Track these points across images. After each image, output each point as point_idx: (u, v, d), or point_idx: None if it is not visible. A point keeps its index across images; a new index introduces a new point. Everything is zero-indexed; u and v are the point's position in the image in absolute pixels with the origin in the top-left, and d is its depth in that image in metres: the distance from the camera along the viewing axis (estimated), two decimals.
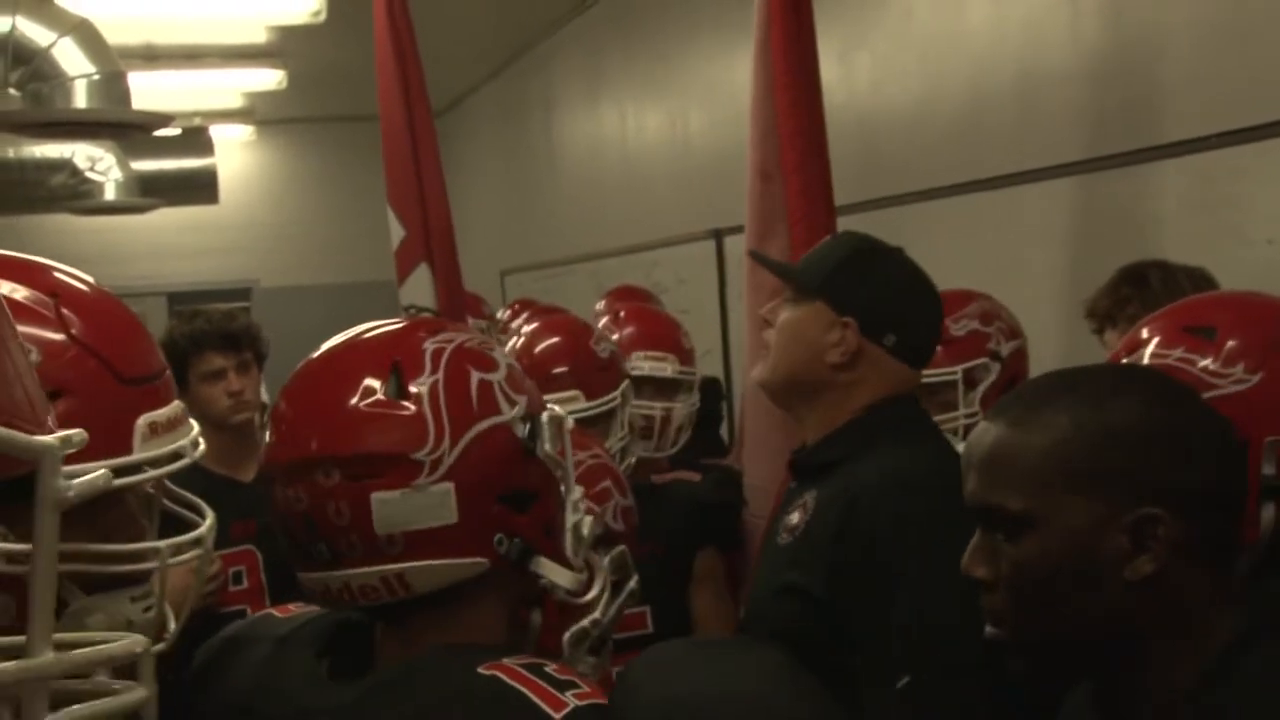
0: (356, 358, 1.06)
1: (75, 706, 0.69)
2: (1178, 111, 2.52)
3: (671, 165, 5.14)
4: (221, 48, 6.46)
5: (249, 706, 1.07)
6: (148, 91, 5.49)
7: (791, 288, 1.73)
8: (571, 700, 0.93)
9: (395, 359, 1.03)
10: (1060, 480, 0.97)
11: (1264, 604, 1.02)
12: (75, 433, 0.69)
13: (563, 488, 1.09)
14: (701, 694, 0.93)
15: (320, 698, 1.02)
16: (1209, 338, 1.18)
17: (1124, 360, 1.22)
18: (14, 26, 4.09)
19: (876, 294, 1.68)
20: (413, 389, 1.02)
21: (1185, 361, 1.17)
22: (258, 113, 8.41)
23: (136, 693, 0.71)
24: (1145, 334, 1.22)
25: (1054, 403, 1.00)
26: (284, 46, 6.50)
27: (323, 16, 5.43)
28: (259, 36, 6.30)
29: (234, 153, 8.56)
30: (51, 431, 0.68)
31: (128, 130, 4.46)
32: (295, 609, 1.16)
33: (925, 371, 1.80)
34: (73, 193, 6.40)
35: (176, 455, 0.97)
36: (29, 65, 4.11)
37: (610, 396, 2.15)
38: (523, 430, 1.04)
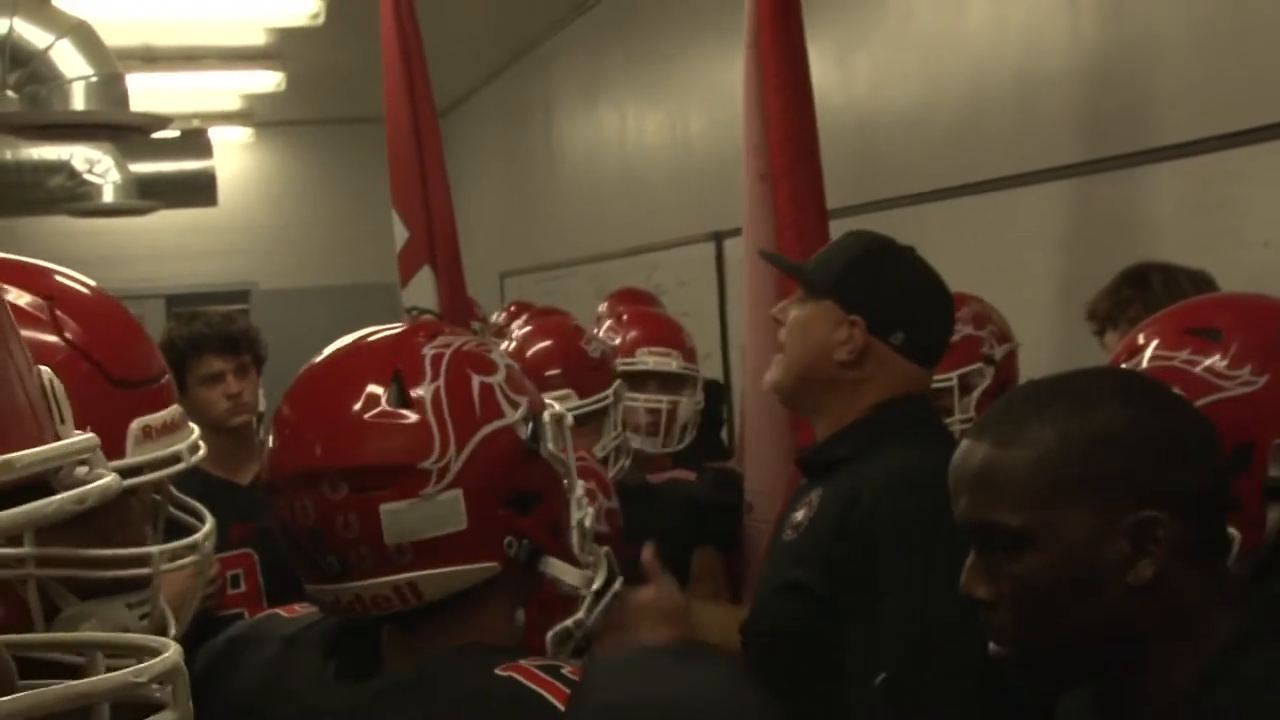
0: (358, 364, 1.05)
1: None
2: (1176, 114, 2.52)
3: (671, 168, 5.14)
4: (220, 50, 6.45)
5: (256, 707, 1.07)
6: (146, 93, 5.48)
7: (802, 287, 1.74)
8: None
9: (396, 366, 1.03)
10: (1055, 492, 0.97)
11: (1265, 606, 1.01)
12: (84, 440, 0.68)
13: (566, 483, 1.09)
14: (651, 698, 0.92)
15: (329, 699, 1.02)
16: (1214, 339, 1.17)
17: (1125, 363, 1.21)
18: (11, 28, 4.08)
19: (884, 292, 1.68)
20: (415, 396, 1.01)
21: (1190, 363, 1.16)
22: (256, 115, 8.41)
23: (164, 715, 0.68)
24: (1146, 336, 1.22)
25: (1039, 415, 0.99)
26: (283, 48, 6.50)
27: (321, 19, 5.43)
28: (257, 38, 6.29)
29: (232, 155, 8.55)
30: (55, 437, 0.67)
31: (126, 132, 4.45)
32: (300, 609, 1.15)
33: None
34: (71, 195, 6.39)
35: (173, 459, 0.96)
36: (27, 67, 4.11)
37: (602, 395, 2.16)
38: (525, 431, 1.04)
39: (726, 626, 2.05)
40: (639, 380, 2.47)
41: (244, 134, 8.81)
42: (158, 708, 0.63)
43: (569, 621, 1.13)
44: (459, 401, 1.02)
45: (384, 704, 0.98)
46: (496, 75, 7.61)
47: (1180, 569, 0.96)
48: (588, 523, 1.11)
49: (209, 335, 2.43)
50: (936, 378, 2.12)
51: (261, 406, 2.54)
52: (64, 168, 6.30)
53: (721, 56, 4.48)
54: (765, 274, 2.41)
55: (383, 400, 1.01)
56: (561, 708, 0.92)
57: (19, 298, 0.93)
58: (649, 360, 2.55)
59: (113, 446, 0.90)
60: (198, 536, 1.00)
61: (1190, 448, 0.98)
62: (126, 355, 0.96)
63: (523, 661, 0.96)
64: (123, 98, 4.24)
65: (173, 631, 0.95)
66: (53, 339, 0.92)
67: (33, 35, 4.12)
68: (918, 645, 1.46)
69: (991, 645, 1.01)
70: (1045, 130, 2.91)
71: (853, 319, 1.65)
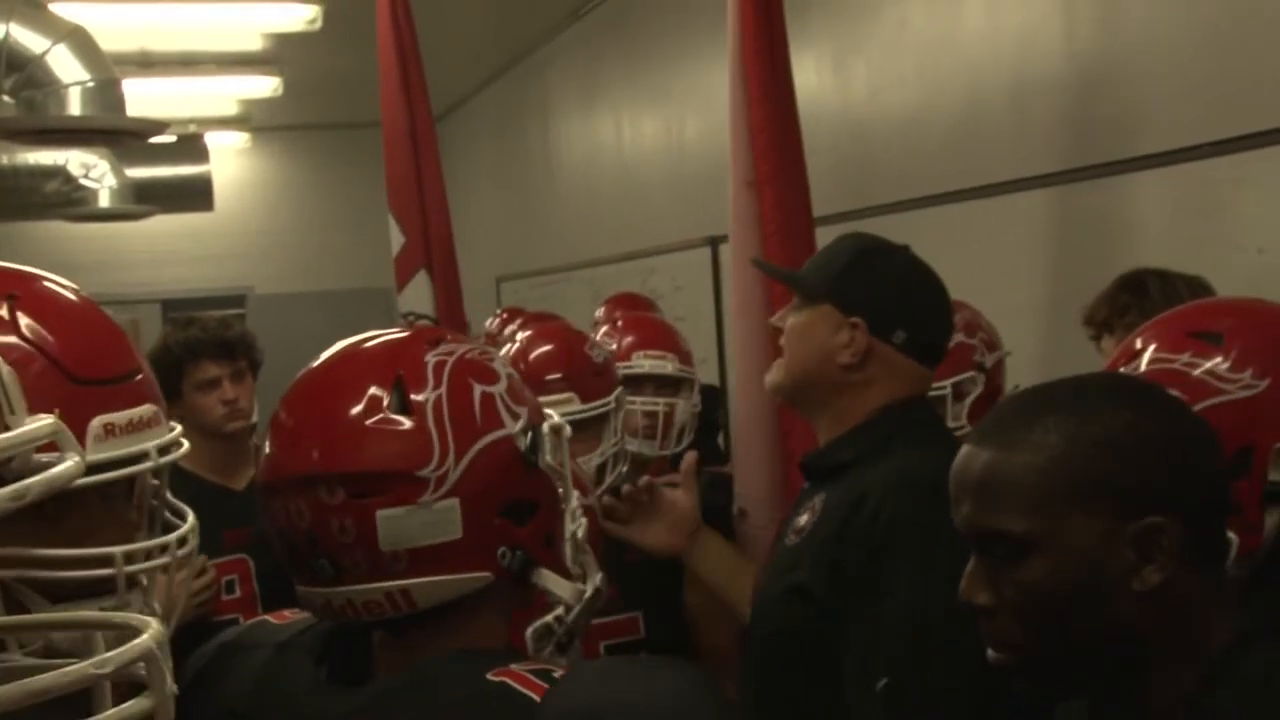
0: (358, 369, 1.05)
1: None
2: (1170, 120, 2.52)
3: (668, 172, 5.14)
4: (217, 55, 6.45)
5: (248, 713, 1.07)
6: (142, 98, 5.48)
7: (797, 293, 1.73)
8: None
9: (398, 372, 1.02)
10: (1060, 498, 0.96)
11: (1264, 608, 1.01)
12: (43, 424, 0.67)
13: (561, 492, 1.09)
14: (612, 702, 0.93)
15: (322, 704, 1.02)
16: (1215, 343, 1.16)
17: (1123, 367, 1.21)
18: (8, 33, 4.08)
19: (883, 292, 1.67)
20: (415, 403, 1.01)
21: (1191, 366, 1.16)
22: (253, 120, 8.41)
23: (142, 703, 0.67)
24: (1146, 339, 1.21)
25: (1042, 420, 0.98)
26: (280, 54, 6.50)
27: (318, 24, 5.44)
28: (254, 44, 6.29)
29: (229, 160, 8.55)
30: (4, 428, 0.66)
31: (122, 137, 4.44)
32: (290, 615, 1.15)
33: None
34: (67, 200, 6.38)
35: (138, 458, 0.95)
36: (23, 72, 4.10)
37: (605, 401, 2.16)
38: (525, 442, 1.04)
39: (722, 563, 2.06)
40: (635, 383, 2.47)
41: (240, 139, 8.81)
42: (140, 687, 0.63)
43: (549, 618, 1.13)
44: (460, 410, 1.01)
45: (377, 709, 0.98)
46: (493, 79, 7.61)
47: (1184, 574, 0.95)
48: (581, 534, 1.11)
49: (205, 340, 2.43)
50: (931, 386, 2.13)
51: (255, 415, 2.53)
52: (60, 172, 6.29)
53: (718, 61, 4.47)
54: (753, 281, 2.42)
55: (383, 406, 1.01)
56: None
57: None
58: (645, 363, 2.55)
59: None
60: (170, 538, 0.99)
61: (1194, 452, 0.98)
62: (91, 353, 0.95)
63: (514, 665, 0.97)
64: (119, 103, 4.23)
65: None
66: (9, 338, 0.92)
67: (29, 40, 4.12)
68: (918, 650, 1.45)
69: (991, 652, 1.00)
70: (1041, 136, 2.91)
71: (853, 321, 1.65)
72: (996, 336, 2.41)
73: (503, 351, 2.26)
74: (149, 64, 6.27)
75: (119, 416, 0.94)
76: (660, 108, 5.22)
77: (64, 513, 0.92)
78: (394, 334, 1.09)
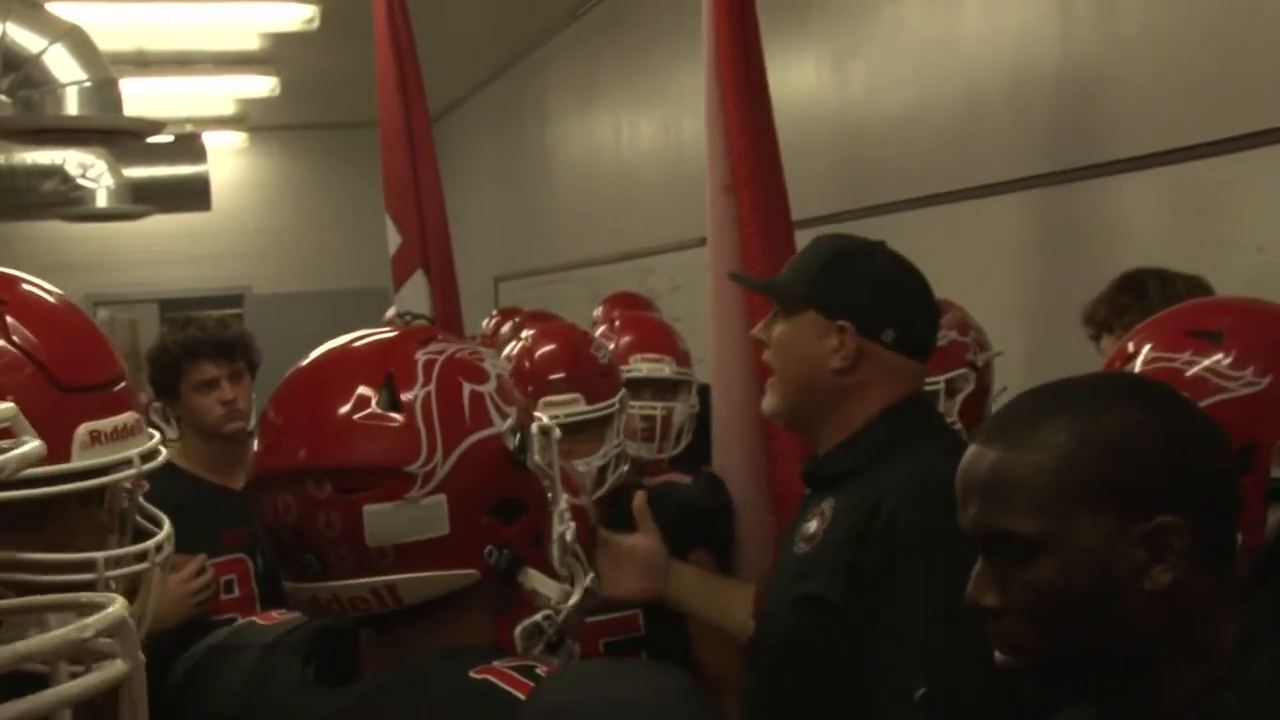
0: (347, 367, 1.05)
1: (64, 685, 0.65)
2: (1169, 120, 2.52)
3: (666, 172, 5.14)
4: (214, 54, 6.45)
5: (236, 715, 1.07)
6: (140, 98, 5.48)
7: (777, 303, 1.69)
8: None
9: (388, 370, 1.03)
10: (1070, 498, 0.95)
11: (1267, 606, 1.00)
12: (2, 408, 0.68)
13: (550, 497, 1.09)
14: (590, 700, 0.93)
15: (310, 704, 1.02)
16: (1215, 341, 1.16)
17: (1120, 367, 1.21)
18: (4, 33, 4.07)
19: (867, 292, 1.63)
20: (405, 400, 1.01)
21: (1191, 364, 1.16)
22: (250, 119, 8.41)
23: (116, 668, 0.67)
24: (1144, 338, 1.21)
25: (1051, 419, 0.97)
26: (277, 53, 6.50)
27: (316, 24, 5.43)
28: (252, 43, 6.29)
29: (226, 159, 8.55)
30: None
31: (119, 137, 4.44)
32: (278, 615, 1.16)
33: None
34: (64, 199, 6.38)
35: (123, 465, 0.96)
36: (20, 72, 4.10)
37: (609, 402, 2.16)
38: (513, 442, 1.04)
39: (700, 589, 2.05)
40: (633, 387, 2.46)
41: (238, 139, 8.81)
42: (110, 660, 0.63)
43: (538, 616, 1.13)
44: (449, 408, 1.02)
45: (363, 708, 0.98)
46: (491, 79, 7.61)
47: (1194, 574, 0.95)
48: (569, 536, 1.11)
49: (203, 341, 2.42)
50: (925, 381, 2.13)
51: (253, 417, 2.52)
52: (57, 172, 6.28)
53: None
54: (731, 285, 2.42)
55: (373, 403, 1.01)
56: None
57: None
58: (642, 367, 2.55)
59: (58, 450, 0.91)
60: (148, 545, 1.00)
61: (1204, 452, 0.97)
62: (77, 360, 0.96)
63: (497, 663, 0.97)
64: (116, 102, 4.23)
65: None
66: None
67: (26, 40, 4.12)
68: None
69: (998, 655, 0.99)
70: (1038, 136, 2.91)
71: (840, 325, 1.61)
72: (985, 337, 2.42)
73: (507, 350, 2.26)
74: (146, 63, 6.27)
75: (104, 424, 0.95)
76: (658, 108, 5.22)
77: (45, 517, 0.93)
78: (384, 333, 1.10)
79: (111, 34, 4.95)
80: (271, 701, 1.05)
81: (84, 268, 8.50)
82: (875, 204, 3.50)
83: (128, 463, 0.96)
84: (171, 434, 2.50)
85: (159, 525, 1.03)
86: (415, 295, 3.36)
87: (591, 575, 1.24)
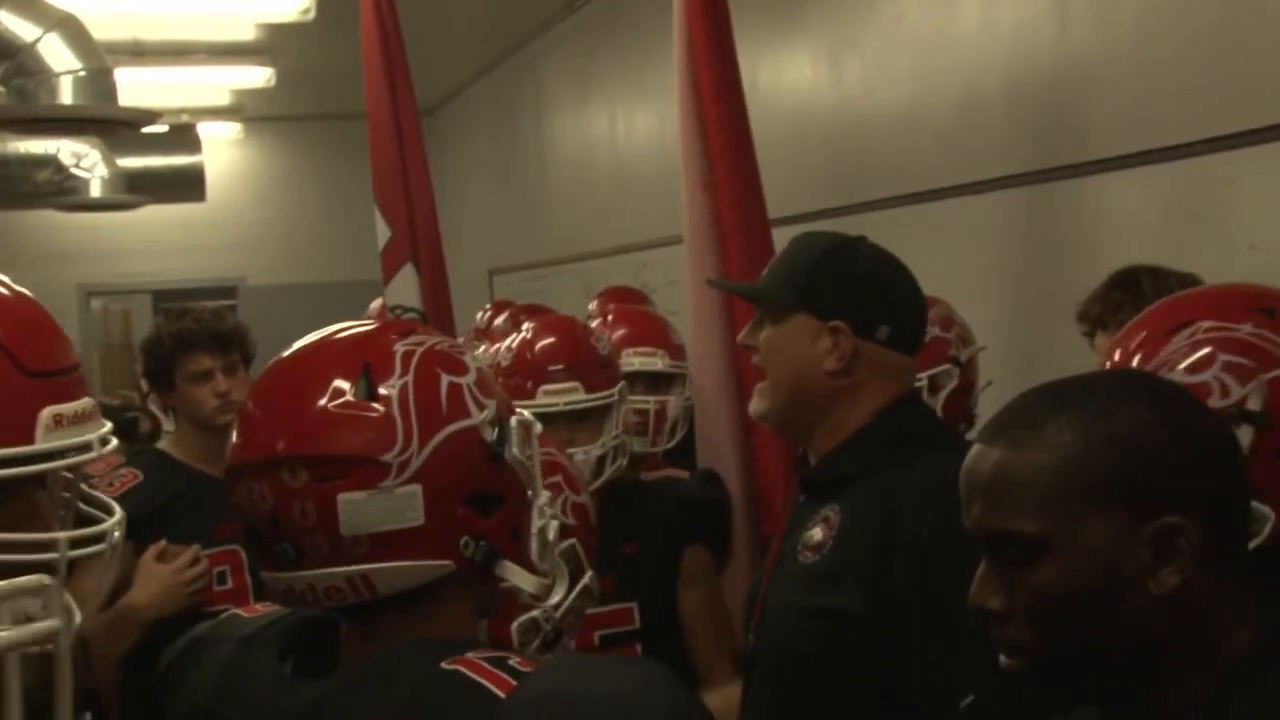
0: (326, 359, 1.06)
1: None
2: (1165, 117, 2.53)
3: (661, 166, 5.13)
4: (209, 45, 6.43)
5: (212, 707, 1.08)
6: (134, 88, 5.46)
7: (763, 307, 1.65)
8: None
9: (366, 360, 1.03)
10: (1074, 498, 0.93)
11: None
12: None
13: (530, 492, 1.09)
14: (569, 689, 0.93)
15: (285, 696, 1.02)
16: (1270, 315, 1.15)
17: (1140, 355, 1.18)
18: None
19: (859, 291, 1.61)
20: (382, 391, 1.02)
21: (1257, 336, 1.14)
22: (246, 110, 8.38)
23: (48, 622, 0.73)
24: (1194, 314, 1.18)
25: (1055, 418, 0.95)
26: (273, 44, 6.48)
27: (312, 14, 5.41)
28: (247, 34, 6.27)
29: (221, 150, 8.52)
30: None
31: (114, 127, 4.43)
32: (262, 608, 1.16)
33: None
34: (58, 189, 6.35)
35: (83, 448, 0.98)
36: (14, 60, 4.09)
37: (609, 392, 2.17)
38: (491, 434, 1.04)
39: (720, 624, 2.03)
40: (626, 381, 2.47)
41: (233, 129, 8.78)
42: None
43: (536, 612, 1.13)
44: (426, 398, 1.02)
45: (336, 700, 0.99)
46: (487, 72, 7.60)
47: (1202, 576, 0.93)
48: (550, 533, 1.11)
49: (198, 332, 2.42)
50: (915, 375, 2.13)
51: None
52: (51, 161, 6.26)
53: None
54: (707, 290, 2.43)
55: (349, 392, 1.02)
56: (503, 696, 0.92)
57: None
58: (635, 361, 2.55)
59: (22, 433, 0.95)
60: (106, 525, 1.01)
61: (1213, 451, 0.95)
62: (39, 347, 0.99)
63: (470, 654, 0.97)
64: (111, 92, 4.21)
65: (78, 620, 0.96)
66: None
67: (20, 28, 4.10)
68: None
69: (1003, 658, 0.97)
70: (1034, 133, 2.91)
71: (833, 325, 1.58)
72: (969, 332, 2.43)
73: (508, 342, 2.27)
74: (141, 53, 6.25)
75: (66, 408, 0.98)
76: (654, 101, 5.21)
77: (6, 498, 0.95)
78: (364, 325, 1.10)
79: (106, 23, 4.93)
80: (246, 693, 1.06)
81: (78, 258, 8.48)
82: (870, 200, 3.50)
83: (89, 446, 0.99)
84: (168, 426, 2.50)
85: (110, 513, 1.04)
86: (405, 288, 3.36)
87: (590, 574, 1.24)
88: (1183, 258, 2.19)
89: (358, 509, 0.99)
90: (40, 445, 0.95)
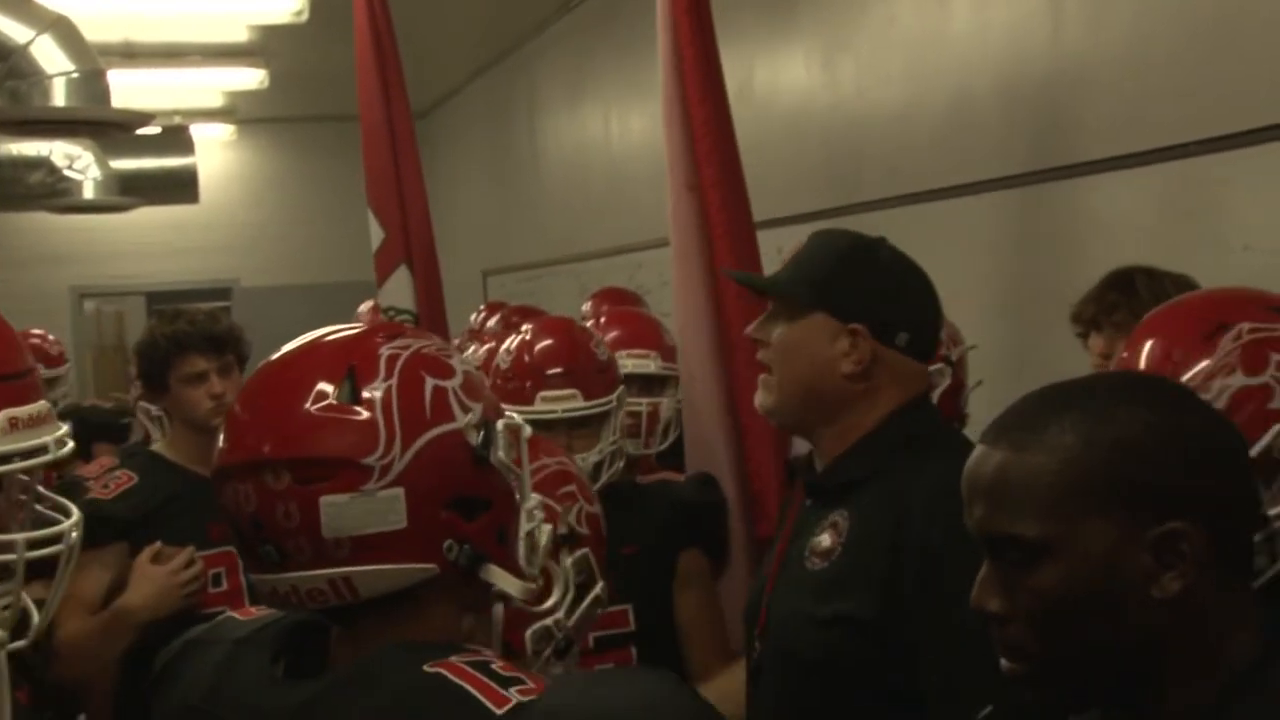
0: (312, 362, 1.06)
1: None
2: (1159, 118, 2.53)
3: (656, 167, 5.09)
4: (202, 46, 6.42)
5: (203, 709, 1.08)
6: (127, 90, 5.45)
7: (785, 304, 1.61)
8: (515, 696, 0.93)
9: (350, 364, 1.04)
10: (1076, 501, 0.92)
11: None
12: None
13: (518, 496, 1.09)
14: (582, 703, 0.93)
15: (273, 699, 1.03)
16: None
17: (1197, 341, 1.16)
18: None
19: (881, 295, 1.58)
20: (366, 394, 1.02)
21: None
22: (239, 112, 8.37)
23: None
24: (1224, 312, 1.16)
25: (1057, 420, 0.94)
26: (265, 46, 6.47)
27: (305, 16, 5.41)
28: (240, 35, 6.26)
29: (214, 152, 8.51)
30: None
31: (107, 129, 4.42)
32: (256, 611, 1.17)
33: None
34: (51, 191, 6.35)
35: (40, 450, 0.98)
36: (6, 62, 4.07)
37: (607, 399, 2.16)
38: (476, 437, 1.04)
39: (716, 627, 2.01)
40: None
41: (226, 131, 8.77)
42: None
43: (549, 620, 1.13)
44: (409, 402, 1.02)
45: (321, 702, 0.99)
46: (481, 73, 7.59)
47: (1205, 582, 0.92)
48: (542, 537, 1.10)
49: (193, 334, 2.42)
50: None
51: None
52: (44, 164, 6.25)
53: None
54: (695, 283, 2.43)
55: (332, 396, 1.02)
56: (487, 702, 0.93)
57: None
58: (628, 363, 2.54)
59: None
60: (64, 525, 1.01)
61: (1218, 455, 0.94)
62: None
63: (453, 658, 0.97)
64: (104, 94, 4.20)
65: (35, 621, 0.96)
66: None
67: (13, 30, 4.09)
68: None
69: (1004, 662, 0.97)
70: (1028, 134, 2.92)
71: (852, 328, 1.55)
72: (958, 332, 2.43)
73: (506, 344, 2.26)
74: (134, 55, 6.24)
75: (21, 411, 0.99)
76: (649, 103, 5.21)
77: None
78: (351, 329, 1.11)
79: (99, 25, 4.92)
80: (236, 695, 1.06)
81: (70, 260, 8.46)
82: (864, 200, 3.50)
83: (45, 449, 0.99)
84: (157, 435, 2.49)
85: (67, 515, 1.05)
86: (399, 290, 3.36)
87: (601, 584, 1.24)
88: (1177, 259, 2.19)
89: (340, 511, 0.99)
90: None
